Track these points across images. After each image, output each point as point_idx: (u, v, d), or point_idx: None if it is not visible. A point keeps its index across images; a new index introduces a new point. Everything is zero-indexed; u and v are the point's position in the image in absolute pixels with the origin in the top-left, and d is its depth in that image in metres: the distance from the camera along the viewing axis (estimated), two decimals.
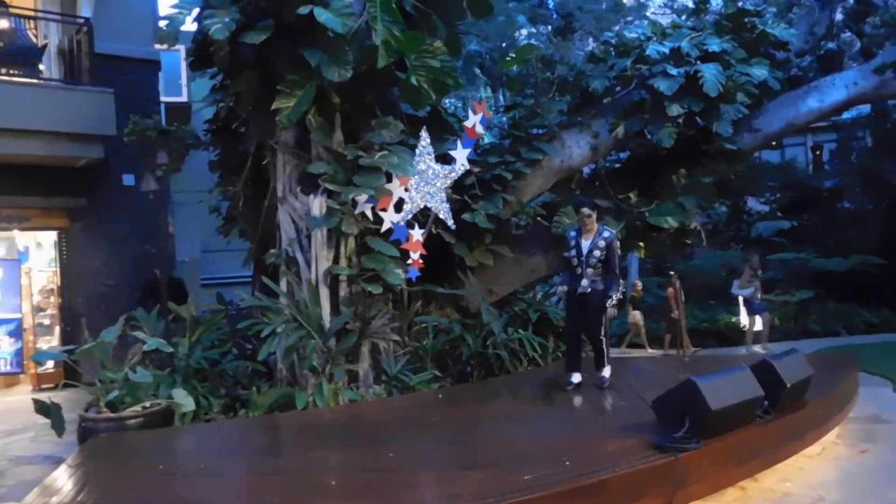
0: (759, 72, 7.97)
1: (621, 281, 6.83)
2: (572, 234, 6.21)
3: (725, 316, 12.20)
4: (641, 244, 8.95)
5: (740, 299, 11.76)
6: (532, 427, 5.05)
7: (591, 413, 5.32)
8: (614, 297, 5.94)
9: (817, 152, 19.01)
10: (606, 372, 6.13)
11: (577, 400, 5.79)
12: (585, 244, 6.01)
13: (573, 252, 6.07)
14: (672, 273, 11.14)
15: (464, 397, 6.52)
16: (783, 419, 4.60)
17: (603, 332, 6.08)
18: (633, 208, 8.28)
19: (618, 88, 8.69)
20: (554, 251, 8.63)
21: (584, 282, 5.97)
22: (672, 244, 8.96)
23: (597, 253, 5.95)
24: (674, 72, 7.62)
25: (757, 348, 10.53)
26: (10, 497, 4.91)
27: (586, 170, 9.37)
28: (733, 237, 16.34)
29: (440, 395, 6.51)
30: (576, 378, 6.13)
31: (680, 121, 7.80)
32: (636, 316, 11.55)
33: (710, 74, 7.53)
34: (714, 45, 7.81)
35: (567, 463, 3.85)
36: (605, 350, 6.09)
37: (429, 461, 4.34)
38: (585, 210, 6.03)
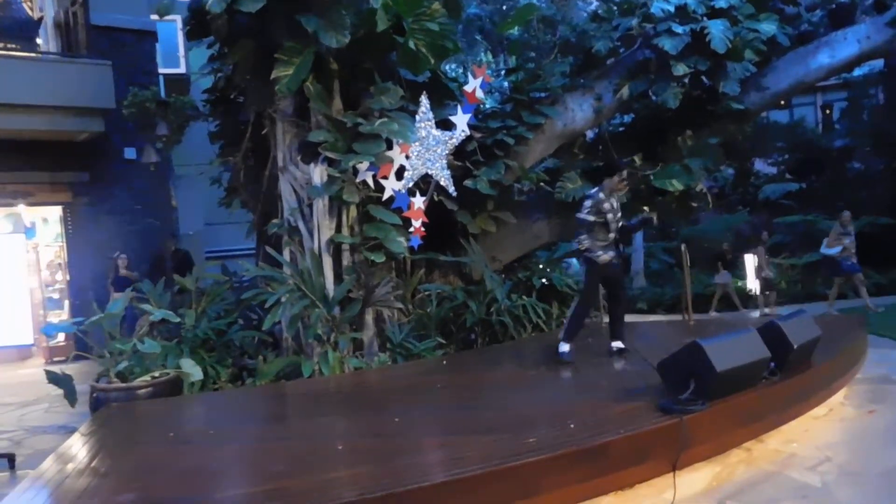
0: (768, 27, 7.78)
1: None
2: (601, 195, 5.61)
3: (732, 280, 12.15)
4: (646, 208, 8.84)
5: (748, 264, 11.64)
6: (536, 392, 5.05)
7: (596, 377, 5.32)
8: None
9: (827, 111, 18.69)
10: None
11: (582, 365, 5.78)
12: (616, 207, 5.67)
13: (610, 216, 5.57)
14: (765, 232, 10.86)
15: (468, 364, 6.52)
16: (790, 381, 4.56)
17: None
18: (637, 171, 8.17)
19: (622, 49, 8.51)
20: (557, 217, 8.57)
21: (617, 248, 5.77)
22: (677, 208, 8.86)
23: (619, 216, 5.70)
24: (679, 30, 7.44)
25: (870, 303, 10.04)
26: (26, 465, 5.00)
27: (590, 133, 9.25)
28: (740, 200, 16.20)
29: (444, 362, 6.52)
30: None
31: (686, 80, 7.66)
32: (725, 276, 11.19)
33: (716, 31, 7.35)
34: (721, 1, 7.61)
35: (572, 426, 3.84)
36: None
37: (434, 426, 4.35)
38: (625, 172, 5.76)
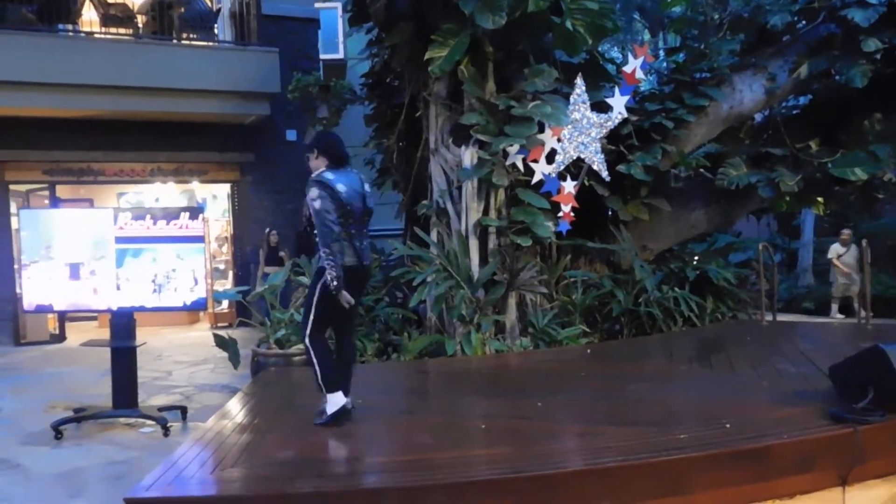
0: None
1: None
2: (342, 183, 3.86)
3: None
4: (820, 199, 8.06)
5: None
6: (687, 388, 4.79)
7: (755, 378, 4.93)
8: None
9: None
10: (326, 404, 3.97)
11: (738, 364, 5.40)
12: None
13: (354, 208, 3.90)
14: None
15: (613, 354, 6.33)
16: None
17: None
18: (812, 159, 7.44)
19: (801, 24, 7.76)
20: (717, 206, 8.06)
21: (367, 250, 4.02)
22: (858, 199, 7.98)
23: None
24: (874, 0, 6.64)
25: None
26: (196, 418, 5.56)
27: (758, 117, 8.55)
28: None
29: (588, 351, 6.37)
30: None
31: (877, 57, 6.82)
32: None
33: None
34: None
35: (727, 426, 3.60)
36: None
37: (577, 414, 4.25)
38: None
